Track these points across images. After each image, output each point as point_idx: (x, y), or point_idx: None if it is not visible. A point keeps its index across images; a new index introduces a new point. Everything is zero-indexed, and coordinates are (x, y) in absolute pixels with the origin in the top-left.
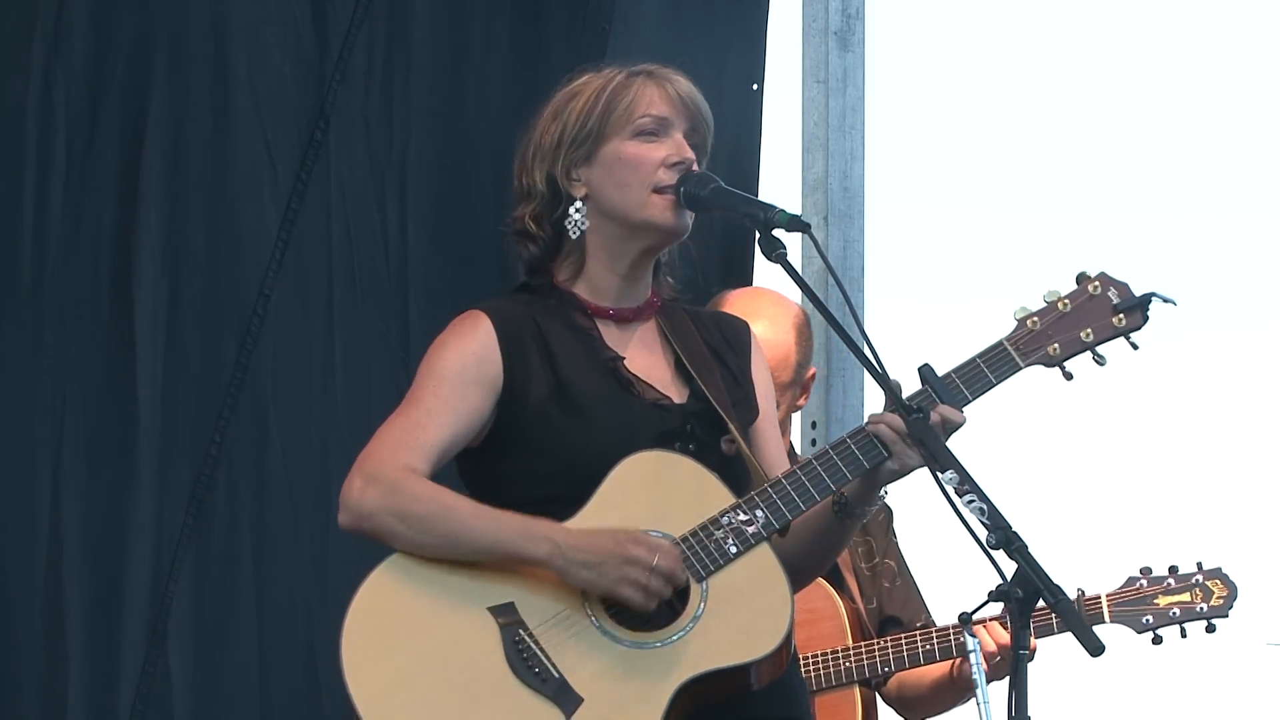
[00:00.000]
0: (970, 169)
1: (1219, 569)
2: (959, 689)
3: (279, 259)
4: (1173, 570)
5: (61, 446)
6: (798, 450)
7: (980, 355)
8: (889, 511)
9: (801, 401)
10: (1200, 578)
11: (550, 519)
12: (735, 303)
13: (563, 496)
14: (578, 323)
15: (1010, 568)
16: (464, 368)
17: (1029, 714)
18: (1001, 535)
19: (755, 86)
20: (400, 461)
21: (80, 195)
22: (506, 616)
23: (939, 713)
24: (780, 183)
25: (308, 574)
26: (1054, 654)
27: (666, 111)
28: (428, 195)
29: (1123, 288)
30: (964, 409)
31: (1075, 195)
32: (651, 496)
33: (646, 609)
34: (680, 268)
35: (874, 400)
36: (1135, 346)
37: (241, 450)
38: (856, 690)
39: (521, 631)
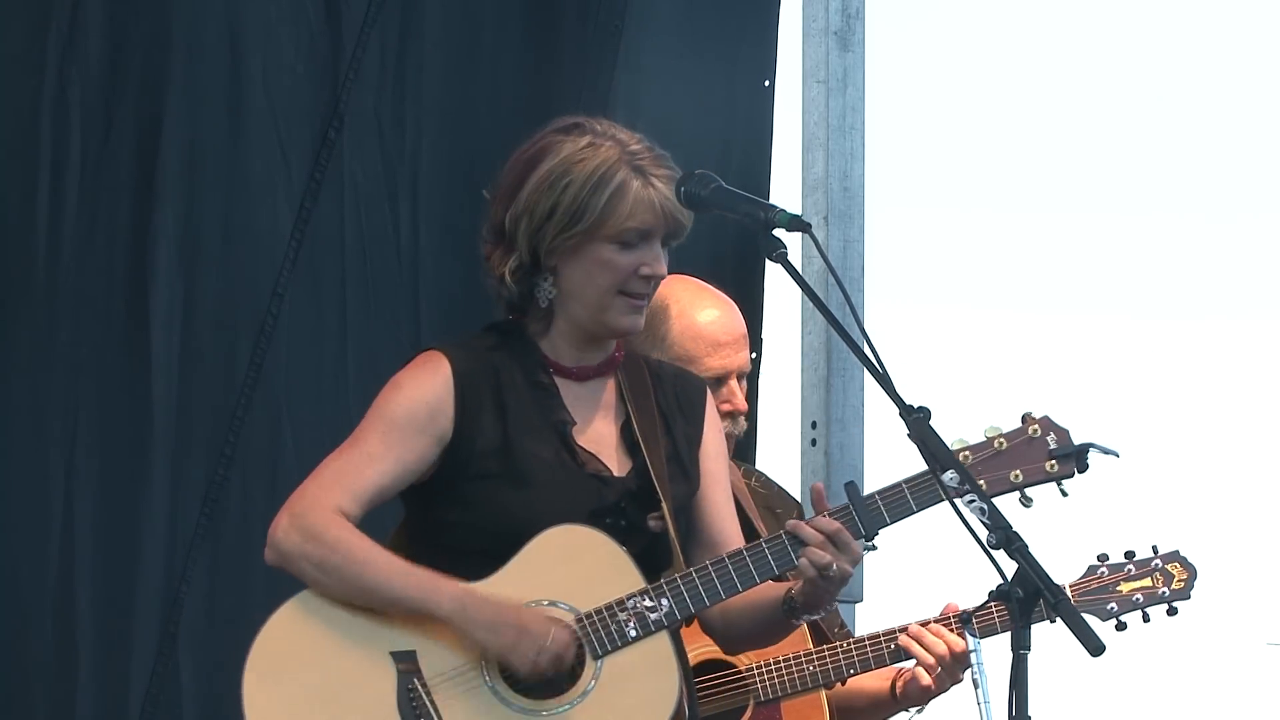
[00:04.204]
0: (970, 169)
1: (1176, 552)
2: (896, 705)
3: (293, 258)
4: (1130, 555)
5: (74, 445)
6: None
7: (906, 481)
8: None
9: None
10: (1159, 562)
11: (473, 572)
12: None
13: (487, 552)
14: (538, 377)
15: (1011, 567)
16: (414, 415)
17: (1029, 714)
18: (1001, 535)
19: (767, 83)
20: (329, 504)
21: (95, 194)
22: (406, 664)
23: None
24: (780, 183)
25: None
26: (1054, 654)
27: (649, 222)
28: (440, 194)
29: (1062, 434)
30: (880, 531)
31: (1075, 195)
32: (566, 570)
33: (532, 680)
34: (706, 246)
35: (874, 400)
36: (1064, 494)
37: (255, 450)
38: (823, 694)
39: (416, 680)
